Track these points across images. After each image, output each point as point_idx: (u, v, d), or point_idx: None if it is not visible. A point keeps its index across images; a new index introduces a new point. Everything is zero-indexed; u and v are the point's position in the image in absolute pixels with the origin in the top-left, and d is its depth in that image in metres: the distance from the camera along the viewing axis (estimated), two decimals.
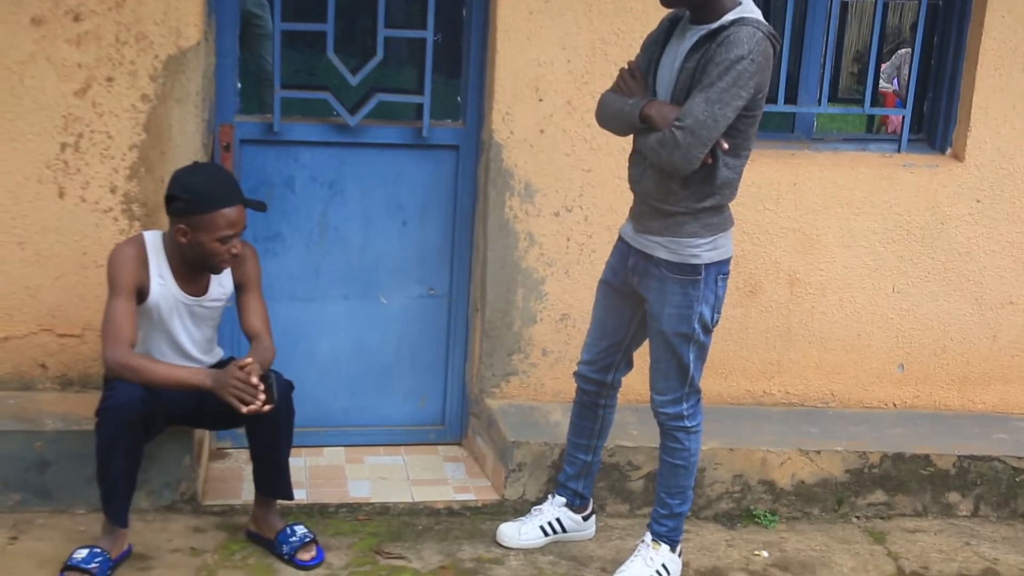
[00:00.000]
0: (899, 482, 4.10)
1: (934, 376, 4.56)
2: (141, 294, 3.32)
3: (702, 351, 3.33)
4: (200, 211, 3.23)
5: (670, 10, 3.24)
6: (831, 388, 4.50)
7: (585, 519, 3.74)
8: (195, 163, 3.48)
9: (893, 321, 4.47)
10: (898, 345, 4.50)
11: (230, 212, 3.27)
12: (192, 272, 3.39)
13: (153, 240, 3.37)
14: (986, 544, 3.97)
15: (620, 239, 3.43)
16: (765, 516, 4.00)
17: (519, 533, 3.66)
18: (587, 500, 3.73)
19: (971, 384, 4.58)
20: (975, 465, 4.14)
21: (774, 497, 4.04)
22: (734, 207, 3.29)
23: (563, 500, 3.70)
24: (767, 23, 3.07)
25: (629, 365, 3.57)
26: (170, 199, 3.28)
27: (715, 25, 3.04)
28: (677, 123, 3.02)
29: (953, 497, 4.16)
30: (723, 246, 3.26)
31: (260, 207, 3.40)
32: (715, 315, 3.31)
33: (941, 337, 4.51)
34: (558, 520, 3.69)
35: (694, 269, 3.21)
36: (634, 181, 3.31)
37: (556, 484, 3.76)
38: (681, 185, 3.15)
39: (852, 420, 4.37)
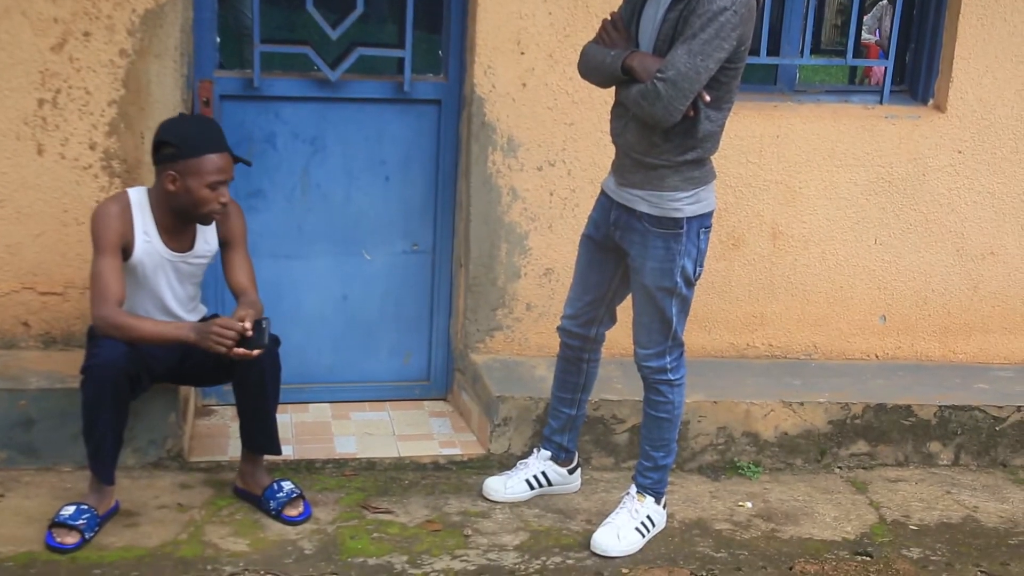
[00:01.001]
0: (881, 432, 4.14)
1: (916, 327, 4.58)
2: (126, 251, 3.30)
3: (685, 305, 3.34)
4: (189, 155, 3.22)
5: None
6: (814, 340, 4.52)
7: (570, 472, 3.76)
8: (180, 113, 3.46)
9: (875, 273, 4.49)
10: (880, 297, 4.52)
11: (218, 158, 3.26)
12: (178, 227, 3.37)
13: (137, 196, 3.35)
14: (966, 492, 4.02)
15: (602, 193, 3.42)
16: (749, 467, 4.03)
17: (505, 487, 3.68)
18: (572, 454, 3.76)
19: (952, 335, 4.61)
20: (956, 415, 4.18)
21: (758, 449, 4.07)
22: (716, 160, 3.29)
23: (548, 454, 3.73)
24: None
25: (612, 319, 3.58)
26: (158, 145, 3.27)
27: None
28: (659, 75, 3.00)
29: (934, 447, 4.20)
30: (705, 199, 3.25)
31: (246, 162, 3.39)
32: (697, 269, 3.31)
33: (923, 288, 4.54)
34: (543, 474, 3.72)
35: (676, 223, 3.21)
36: (616, 134, 3.30)
37: (541, 438, 3.78)
38: (663, 138, 3.14)
39: (834, 372, 4.40)
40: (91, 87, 3.68)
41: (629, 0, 3.27)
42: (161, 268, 3.37)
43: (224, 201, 3.30)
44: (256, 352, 3.22)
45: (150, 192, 3.36)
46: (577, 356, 3.60)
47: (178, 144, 3.22)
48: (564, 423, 3.69)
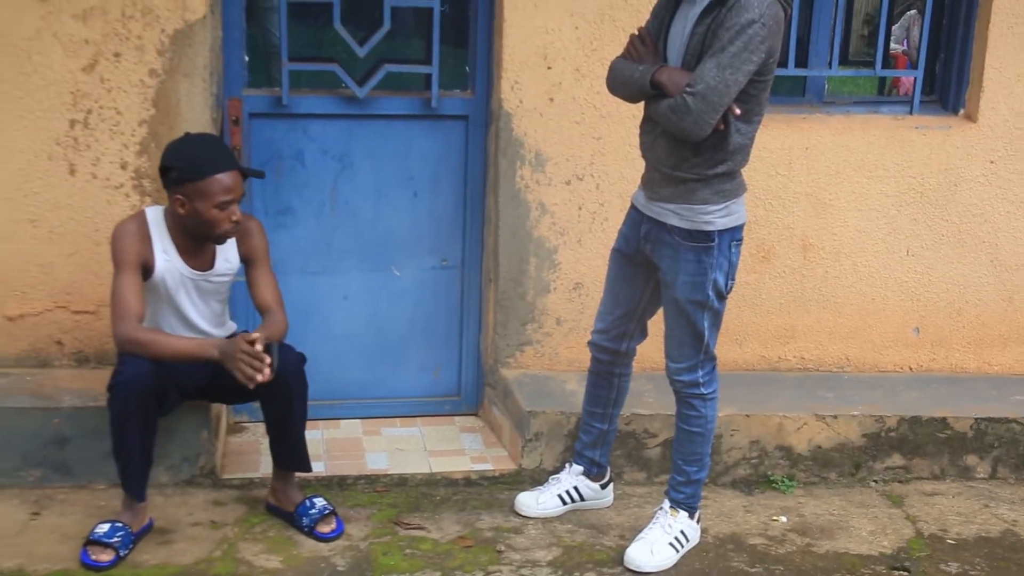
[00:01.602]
0: (916, 445, 4.09)
1: (950, 339, 4.54)
2: (147, 270, 3.31)
3: (716, 318, 3.32)
4: (194, 178, 3.22)
5: None
6: (846, 353, 4.49)
7: (603, 487, 3.74)
8: (186, 133, 3.47)
9: (907, 284, 4.45)
10: (913, 308, 4.48)
11: (224, 177, 3.25)
12: (196, 246, 3.38)
13: (155, 215, 3.36)
14: (1004, 506, 3.97)
15: (632, 207, 3.41)
16: (783, 481, 4.00)
17: (537, 502, 3.67)
18: (604, 468, 3.74)
19: (987, 346, 4.56)
20: (992, 427, 4.13)
21: (791, 462, 4.04)
22: (746, 172, 3.27)
23: (580, 469, 3.71)
24: None
25: (643, 334, 3.56)
26: (164, 170, 3.27)
27: None
28: (688, 89, 2.99)
29: (971, 460, 4.15)
30: (736, 212, 3.24)
31: (258, 175, 3.39)
32: (729, 282, 3.29)
33: (957, 300, 4.49)
34: (576, 489, 3.70)
35: (707, 236, 3.19)
36: (645, 148, 3.29)
37: (573, 453, 3.77)
38: (693, 151, 3.13)
39: (868, 384, 4.36)
40: (122, 107, 3.71)
41: (656, 15, 3.26)
42: (183, 286, 3.38)
43: (236, 219, 3.30)
44: (260, 378, 3.19)
45: (166, 212, 3.38)
46: (608, 370, 3.58)
47: (182, 167, 3.23)
48: (596, 438, 3.68)
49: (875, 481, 4.09)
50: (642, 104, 3.29)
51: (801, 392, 4.23)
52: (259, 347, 3.20)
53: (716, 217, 3.19)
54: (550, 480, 3.74)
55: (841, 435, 4.05)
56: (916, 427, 4.08)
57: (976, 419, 4.11)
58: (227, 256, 3.46)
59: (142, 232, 3.31)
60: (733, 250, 3.27)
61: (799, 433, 4.02)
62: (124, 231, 3.30)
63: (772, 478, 4.01)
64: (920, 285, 4.45)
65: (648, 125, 3.28)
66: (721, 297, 3.29)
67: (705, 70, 2.98)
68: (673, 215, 3.21)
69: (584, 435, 3.70)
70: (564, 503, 3.68)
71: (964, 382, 4.47)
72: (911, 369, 4.55)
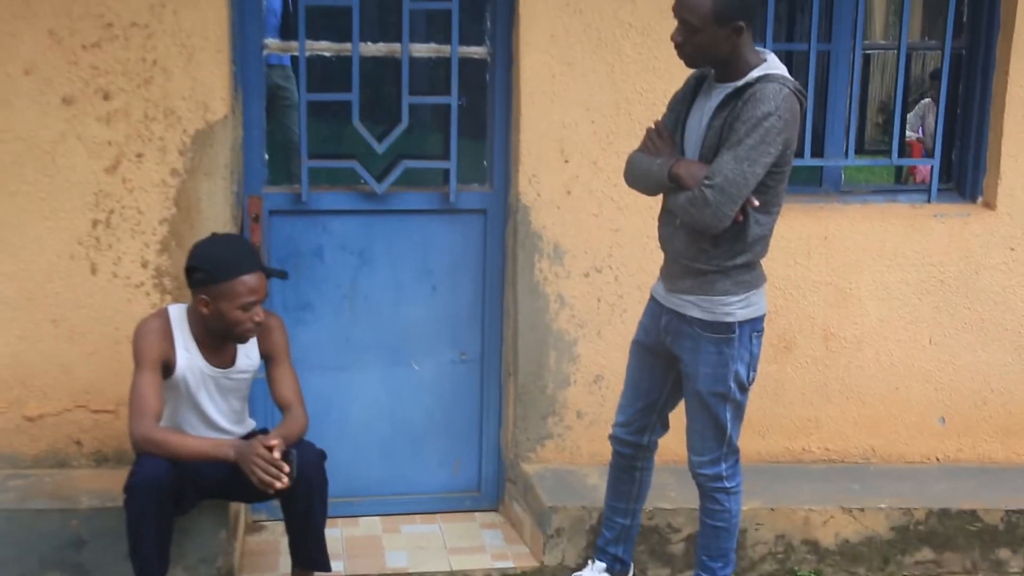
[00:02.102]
0: (946, 539, 4.01)
1: (977, 428, 4.47)
2: (167, 367, 3.32)
3: (739, 410, 3.29)
4: (219, 280, 3.24)
5: (695, 69, 3.24)
6: (871, 443, 4.43)
7: None
8: (212, 234, 3.50)
9: (931, 373, 4.40)
10: (938, 398, 4.43)
11: (249, 279, 3.27)
12: (218, 343, 3.39)
13: (177, 313, 3.38)
14: None
15: (652, 299, 3.40)
16: None
17: None
18: (627, 565, 3.67)
19: (1015, 435, 4.49)
20: None
21: (818, 557, 3.96)
22: (765, 262, 3.26)
23: (603, 565, 3.64)
24: (792, 78, 3.07)
25: (665, 427, 3.53)
26: (189, 271, 3.30)
27: (741, 83, 3.04)
28: (707, 181, 3.01)
29: (1003, 553, 4.05)
30: (756, 303, 3.22)
31: (282, 275, 3.41)
32: (751, 373, 3.27)
33: (982, 388, 4.44)
34: None
35: (728, 327, 3.18)
36: (664, 240, 3.29)
37: (595, 549, 3.70)
38: (712, 243, 3.13)
39: (894, 476, 4.29)
40: (143, 206, 3.75)
41: (673, 108, 3.29)
42: (203, 384, 3.38)
43: (258, 320, 3.32)
44: (279, 485, 3.17)
45: (189, 310, 3.39)
46: (630, 464, 3.54)
47: (208, 269, 3.25)
48: (618, 533, 3.62)
49: None
50: (660, 196, 3.30)
51: (826, 484, 4.16)
52: (277, 453, 3.18)
53: (736, 308, 3.18)
54: None
55: (869, 528, 3.97)
56: (946, 520, 4.00)
57: (1007, 511, 4.02)
58: (248, 353, 3.46)
59: (164, 330, 3.33)
60: (754, 341, 3.24)
61: (826, 527, 3.95)
62: (147, 329, 3.31)
63: (799, 573, 3.93)
64: (944, 374, 4.41)
65: (667, 217, 3.28)
66: (743, 389, 3.26)
67: (723, 162, 3.00)
68: (693, 307, 3.20)
69: (606, 531, 3.64)
70: None
71: (993, 473, 4.40)
72: (938, 460, 4.48)
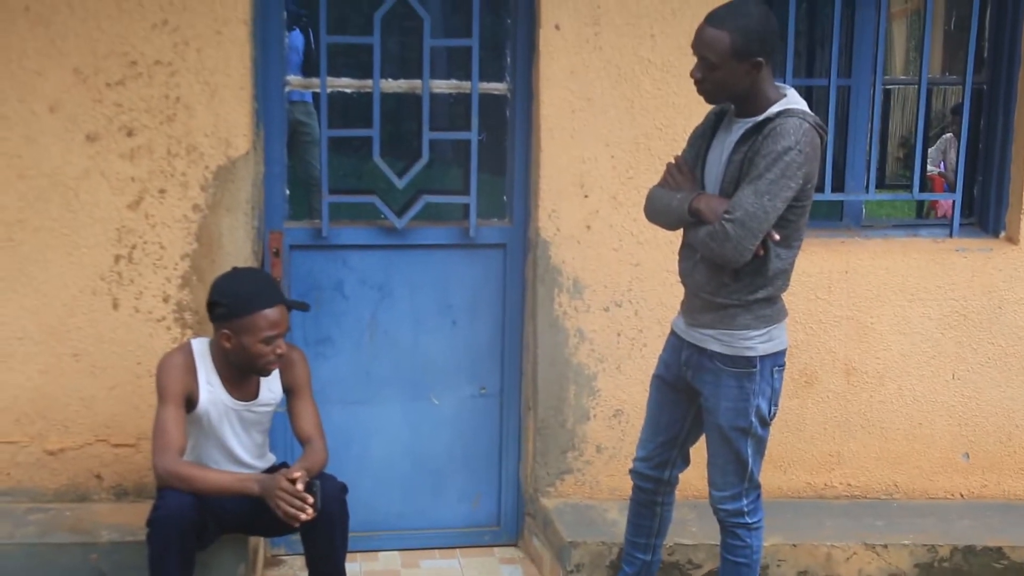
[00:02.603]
0: None
1: (1001, 464, 4.43)
2: (191, 402, 3.34)
3: (760, 445, 3.26)
4: (241, 314, 3.26)
5: (715, 104, 3.25)
6: (894, 479, 4.39)
7: None
8: (234, 268, 3.53)
9: (955, 409, 4.37)
10: (962, 433, 4.39)
11: (271, 313, 3.28)
12: (240, 377, 3.40)
13: (200, 347, 3.40)
14: None
15: (672, 333, 3.39)
16: None
17: None
18: None
19: None
20: None
21: None
22: (786, 296, 3.25)
23: None
24: (812, 113, 3.07)
25: (686, 461, 3.51)
26: (211, 305, 3.32)
27: (761, 117, 3.04)
28: (727, 216, 3.00)
29: None
30: (778, 338, 3.21)
31: (303, 307, 3.42)
32: (772, 408, 3.25)
33: (1006, 424, 4.40)
34: None
35: (749, 362, 3.16)
36: (685, 275, 3.29)
37: None
38: (733, 277, 3.12)
39: (918, 512, 4.25)
40: (165, 242, 3.78)
41: (693, 144, 3.30)
42: (226, 417, 3.40)
43: (280, 352, 3.33)
44: (304, 517, 3.18)
45: (211, 344, 3.40)
46: (651, 499, 3.52)
47: (229, 304, 3.27)
48: (639, 569, 3.59)
49: None
50: (680, 230, 3.30)
51: (849, 520, 4.12)
52: (300, 485, 3.18)
53: (758, 343, 3.16)
54: None
55: (892, 565, 3.93)
56: (970, 557, 3.95)
57: None
58: (270, 387, 3.47)
59: (187, 364, 3.34)
60: (775, 376, 3.23)
61: (848, 563, 3.91)
62: (169, 364, 3.33)
63: None
64: (968, 409, 4.37)
65: (687, 251, 3.28)
66: (764, 424, 3.24)
67: (743, 197, 3.00)
68: (714, 341, 3.19)
69: (627, 566, 3.62)
70: None
71: (1019, 509, 4.34)
72: (962, 496, 4.43)
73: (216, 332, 3.33)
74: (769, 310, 3.17)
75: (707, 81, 3.08)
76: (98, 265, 3.76)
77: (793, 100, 3.08)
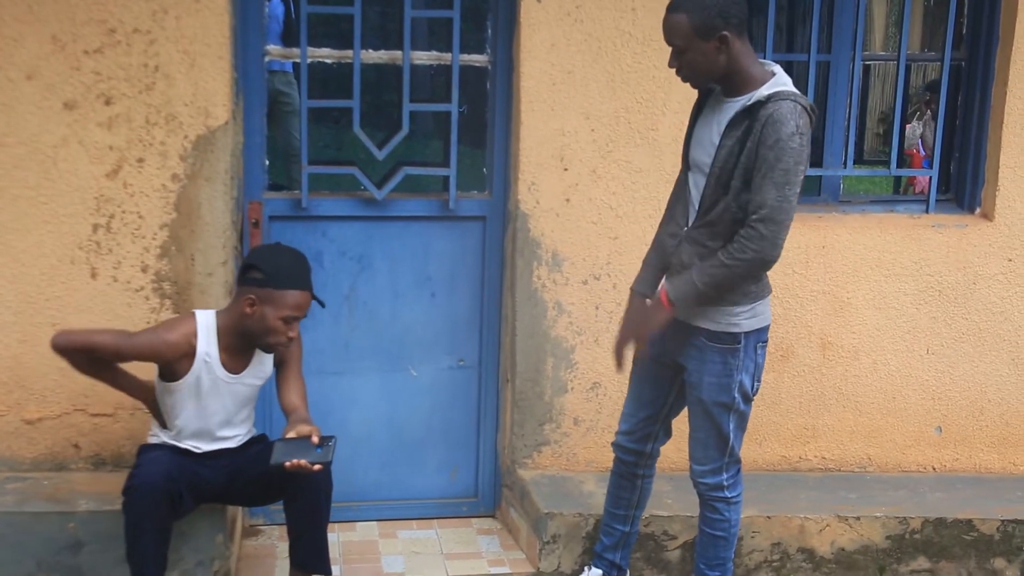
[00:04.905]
0: (942, 548, 4.02)
1: (973, 438, 4.48)
2: (173, 374, 3.34)
3: (742, 420, 3.29)
4: (275, 286, 3.29)
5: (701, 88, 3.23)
6: (868, 452, 4.44)
7: None
8: (277, 243, 3.58)
9: (928, 383, 4.41)
10: (935, 407, 4.44)
11: (301, 295, 3.33)
12: (240, 349, 3.42)
13: (205, 320, 3.39)
14: None
15: None
16: None
17: None
18: (624, 572, 3.67)
19: (1012, 446, 4.50)
20: (1020, 530, 4.04)
21: (814, 565, 3.96)
22: None
23: (599, 572, 3.65)
24: (802, 93, 3.06)
25: (668, 434, 3.53)
26: (249, 267, 3.33)
27: (751, 100, 3.02)
28: (754, 216, 3.00)
29: (999, 563, 4.06)
30: (762, 314, 3.23)
31: (321, 304, 3.45)
32: (755, 384, 3.27)
33: (979, 398, 4.45)
34: None
35: (734, 338, 3.18)
36: (670, 253, 3.29)
37: (592, 555, 3.71)
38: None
39: (891, 485, 4.30)
40: (144, 211, 3.77)
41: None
42: (216, 390, 3.40)
43: (292, 336, 3.37)
44: (316, 466, 3.21)
45: (220, 315, 3.41)
46: (632, 472, 3.54)
47: (268, 272, 3.29)
48: (617, 540, 3.62)
49: None
50: (661, 206, 3.31)
51: (823, 493, 4.17)
52: (316, 439, 3.25)
53: (743, 319, 3.18)
54: None
55: (865, 537, 3.98)
56: (941, 529, 4.01)
57: (1003, 521, 4.03)
58: (263, 362, 3.49)
59: (186, 345, 3.34)
60: (759, 352, 3.25)
61: (821, 535, 3.96)
62: (167, 341, 3.33)
63: None
64: (941, 384, 4.42)
65: (674, 229, 3.28)
66: (747, 399, 3.26)
67: (765, 193, 2.98)
68: (699, 316, 3.20)
69: (605, 537, 3.65)
70: None
71: (989, 483, 4.40)
72: (935, 469, 4.49)
73: (240, 295, 3.34)
74: (755, 286, 3.19)
75: (682, 68, 3.08)
76: (76, 234, 3.74)
77: (781, 80, 3.06)
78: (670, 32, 3.05)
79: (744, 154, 3.02)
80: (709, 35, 2.99)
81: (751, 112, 3.02)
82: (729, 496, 3.33)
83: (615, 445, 3.55)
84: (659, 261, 3.35)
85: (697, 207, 3.16)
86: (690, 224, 3.20)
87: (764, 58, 4.07)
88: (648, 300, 3.30)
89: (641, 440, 3.49)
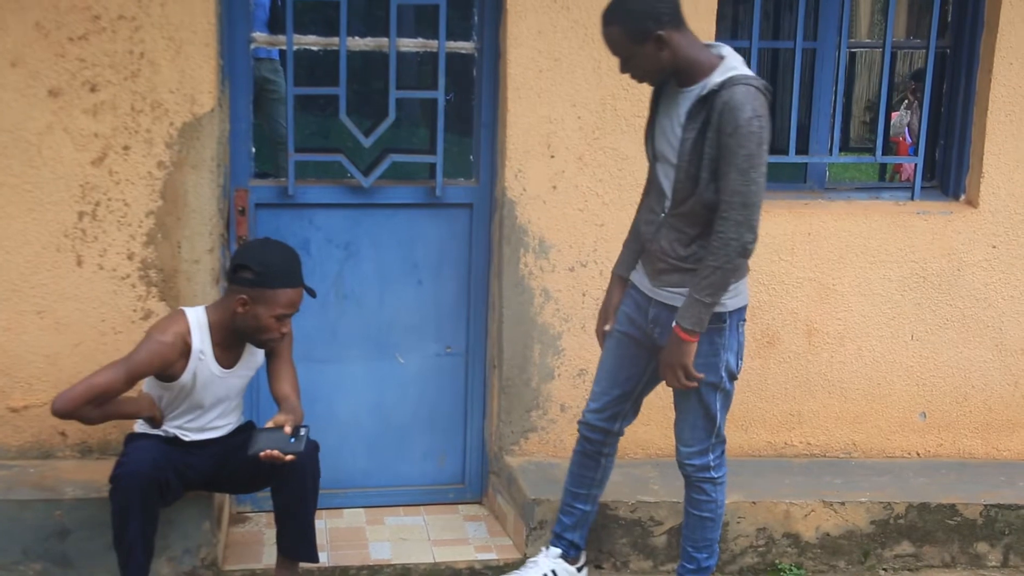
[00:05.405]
0: (926, 532, 4.05)
1: (957, 424, 4.51)
2: (169, 376, 3.34)
3: (727, 399, 3.32)
4: (267, 285, 3.27)
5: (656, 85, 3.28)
6: (853, 438, 4.46)
7: (579, 571, 3.68)
8: (265, 239, 3.53)
9: (913, 369, 4.44)
10: (919, 393, 4.46)
11: (294, 293, 3.32)
12: (232, 344, 3.42)
13: (196, 317, 3.38)
14: None
15: (635, 288, 3.41)
16: (791, 570, 3.95)
17: None
18: (581, 551, 3.68)
19: (995, 431, 4.53)
20: (1002, 514, 4.08)
21: (799, 550, 3.99)
22: (752, 258, 3.28)
23: (558, 552, 3.64)
24: (753, 74, 3.09)
25: (636, 413, 3.55)
26: (239, 268, 3.30)
27: (705, 90, 3.06)
28: (725, 204, 3.02)
29: (982, 547, 4.09)
30: (743, 292, 3.26)
31: (312, 293, 3.43)
32: (739, 362, 3.31)
33: (962, 384, 4.48)
34: (554, 572, 3.62)
35: (719, 317, 3.20)
36: (648, 240, 3.31)
37: (552, 535, 3.70)
38: (698, 244, 3.15)
39: (875, 470, 4.33)
40: (129, 199, 3.76)
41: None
42: (210, 385, 3.40)
43: (285, 332, 3.36)
44: (289, 457, 3.22)
45: (210, 310, 3.40)
46: (597, 451, 3.55)
47: (259, 272, 3.27)
48: (578, 520, 3.63)
49: (884, 569, 4.04)
50: (641, 191, 3.32)
51: (808, 478, 4.19)
52: (289, 429, 3.25)
53: (727, 299, 3.20)
54: (528, 563, 3.67)
55: (849, 522, 4.00)
56: (925, 514, 4.04)
57: (986, 506, 4.06)
58: (255, 354, 3.49)
59: (181, 345, 3.32)
60: (741, 330, 3.29)
61: (807, 520, 3.98)
62: (161, 346, 3.28)
63: (780, 566, 3.96)
64: (926, 370, 4.44)
65: (649, 216, 3.30)
66: (732, 378, 3.29)
67: (732, 181, 3.01)
68: (684, 299, 3.21)
69: (565, 517, 3.65)
70: None
71: (972, 468, 4.44)
72: (919, 455, 4.52)
73: (231, 294, 3.32)
74: None
75: (632, 72, 3.17)
76: (61, 222, 3.73)
77: (731, 64, 3.10)
78: (609, 45, 3.14)
79: (707, 145, 3.05)
80: (645, 39, 3.05)
81: (707, 101, 3.05)
82: (715, 476, 3.36)
83: (583, 424, 3.56)
84: (638, 245, 3.40)
85: (670, 197, 3.19)
86: (666, 211, 3.22)
87: (750, 46, 4.10)
88: (627, 281, 3.36)
89: (610, 419, 3.50)
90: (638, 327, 3.38)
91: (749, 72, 3.08)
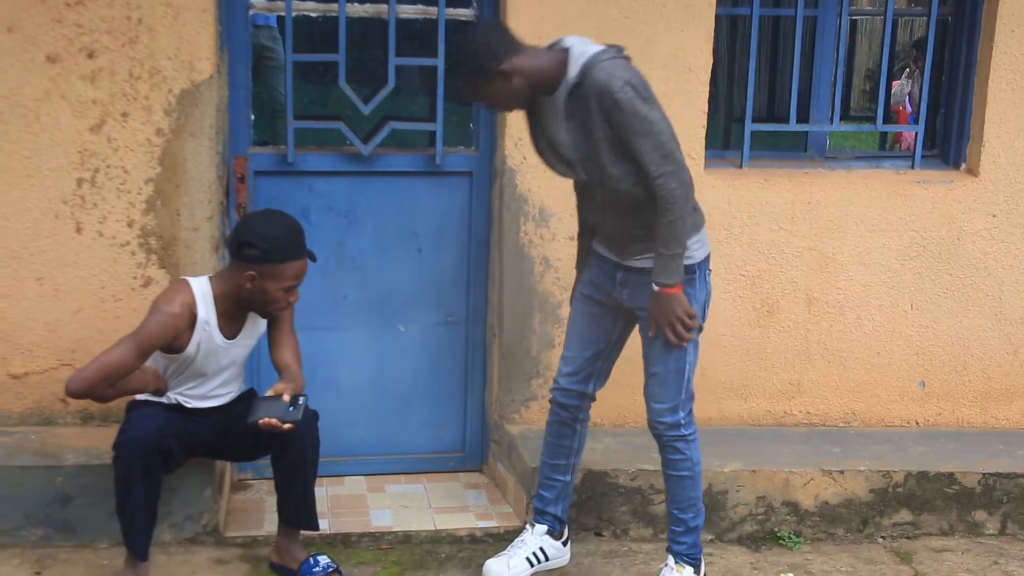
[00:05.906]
0: (924, 501, 4.06)
1: (956, 393, 4.52)
2: (176, 348, 3.34)
3: (696, 351, 3.35)
4: (274, 260, 3.27)
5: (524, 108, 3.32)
6: (852, 407, 4.47)
7: (564, 544, 3.68)
8: (267, 210, 3.51)
9: (912, 338, 4.44)
10: (918, 362, 4.47)
11: (300, 264, 3.33)
12: (236, 314, 3.42)
13: (201, 288, 3.37)
14: (1015, 563, 3.93)
15: (600, 256, 3.42)
16: (790, 538, 3.97)
17: (508, 567, 3.56)
18: (564, 524, 3.67)
19: (994, 400, 4.55)
20: (1001, 483, 4.09)
21: (798, 518, 4.01)
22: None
23: (544, 528, 3.63)
24: (597, 45, 3.13)
25: (607, 375, 3.57)
26: (245, 244, 3.28)
27: (569, 89, 3.11)
28: (652, 168, 3.06)
29: (979, 515, 4.11)
30: (706, 240, 3.32)
31: (312, 258, 3.42)
32: (706, 312, 3.36)
33: (962, 353, 4.48)
34: (541, 549, 3.62)
35: (688, 269, 3.23)
36: (595, 226, 3.40)
37: (534, 512, 3.68)
38: (643, 218, 3.18)
39: (874, 439, 4.34)
40: (128, 166, 3.74)
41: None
42: (213, 354, 3.41)
43: (293, 300, 3.37)
44: (287, 425, 3.22)
45: (213, 281, 3.39)
46: (573, 417, 3.56)
47: (265, 249, 3.26)
48: (558, 492, 3.63)
49: (883, 537, 4.06)
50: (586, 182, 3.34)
51: (807, 447, 4.21)
52: (287, 398, 3.25)
53: (695, 249, 3.25)
54: (515, 542, 3.64)
55: (848, 491, 4.02)
56: (924, 482, 4.05)
57: (984, 474, 4.08)
58: (257, 322, 3.49)
59: (188, 316, 3.31)
60: (708, 280, 3.34)
61: (806, 489, 3.99)
62: (169, 317, 3.28)
63: (779, 534, 3.98)
64: (925, 339, 4.45)
65: (588, 203, 3.39)
66: (700, 329, 3.31)
67: (645, 150, 3.07)
68: (652, 261, 3.22)
69: (546, 492, 3.64)
70: (532, 565, 3.60)
71: (971, 437, 4.45)
72: (918, 424, 4.53)
73: (238, 270, 3.30)
74: (693, 216, 3.24)
75: (496, 108, 3.36)
76: (60, 188, 3.72)
77: (577, 52, 3.12)
78: (464, 96, 3.24)
79: (596, 129, 3.09)
80: (491, 78, 3.11)
81: (576, 97, 3.10)
82: (686, 434, 3.38)
83: (557, 390, 3.56)
84: (590, 236, 3.48)
85: (595, 186, 3.25)
86: (599, 198, 3.29)
87: (751, 14, 4.08)
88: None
89: (584, 380, 3.52)
90: (603, 291, 3.41)
91: (594, 47, 3.12)
